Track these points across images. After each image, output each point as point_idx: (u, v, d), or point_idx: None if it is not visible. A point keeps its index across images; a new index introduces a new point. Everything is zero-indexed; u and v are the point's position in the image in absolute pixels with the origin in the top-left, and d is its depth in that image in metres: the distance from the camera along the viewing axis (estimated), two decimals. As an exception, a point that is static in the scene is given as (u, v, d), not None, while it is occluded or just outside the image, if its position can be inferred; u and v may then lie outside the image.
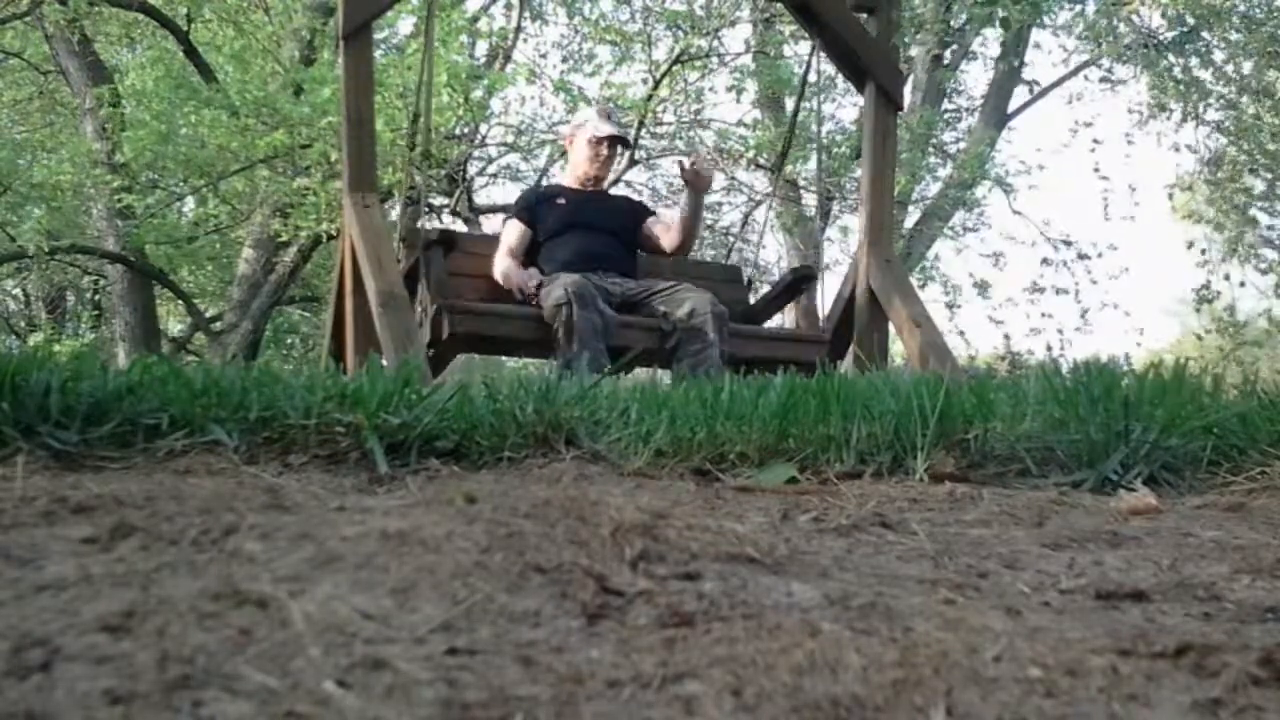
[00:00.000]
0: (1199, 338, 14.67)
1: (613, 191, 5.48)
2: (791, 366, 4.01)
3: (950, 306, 13.10)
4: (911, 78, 11.72)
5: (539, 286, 4.71)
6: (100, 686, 0.73)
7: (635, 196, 5.67)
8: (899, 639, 0.90)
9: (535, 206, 5.08)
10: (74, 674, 0.75)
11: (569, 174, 5.24)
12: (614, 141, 5.19)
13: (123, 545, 1.07)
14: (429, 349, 4.65)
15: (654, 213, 5.41)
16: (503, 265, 4.96)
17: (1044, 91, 13.58)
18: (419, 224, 5.70)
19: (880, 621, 0.95)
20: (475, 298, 4.97)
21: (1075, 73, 13.27)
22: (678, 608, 0.97)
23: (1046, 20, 11.25)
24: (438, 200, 12.27)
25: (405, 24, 12.39)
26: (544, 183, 5.46)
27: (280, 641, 0.82)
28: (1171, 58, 11.78)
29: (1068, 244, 12.95)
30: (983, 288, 12.78)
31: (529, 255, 4.99)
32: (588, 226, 4.97)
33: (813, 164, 11.60)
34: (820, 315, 5.59)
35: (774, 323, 5.86)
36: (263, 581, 0.93)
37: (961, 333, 13.97)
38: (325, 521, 1.13)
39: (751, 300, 5.75)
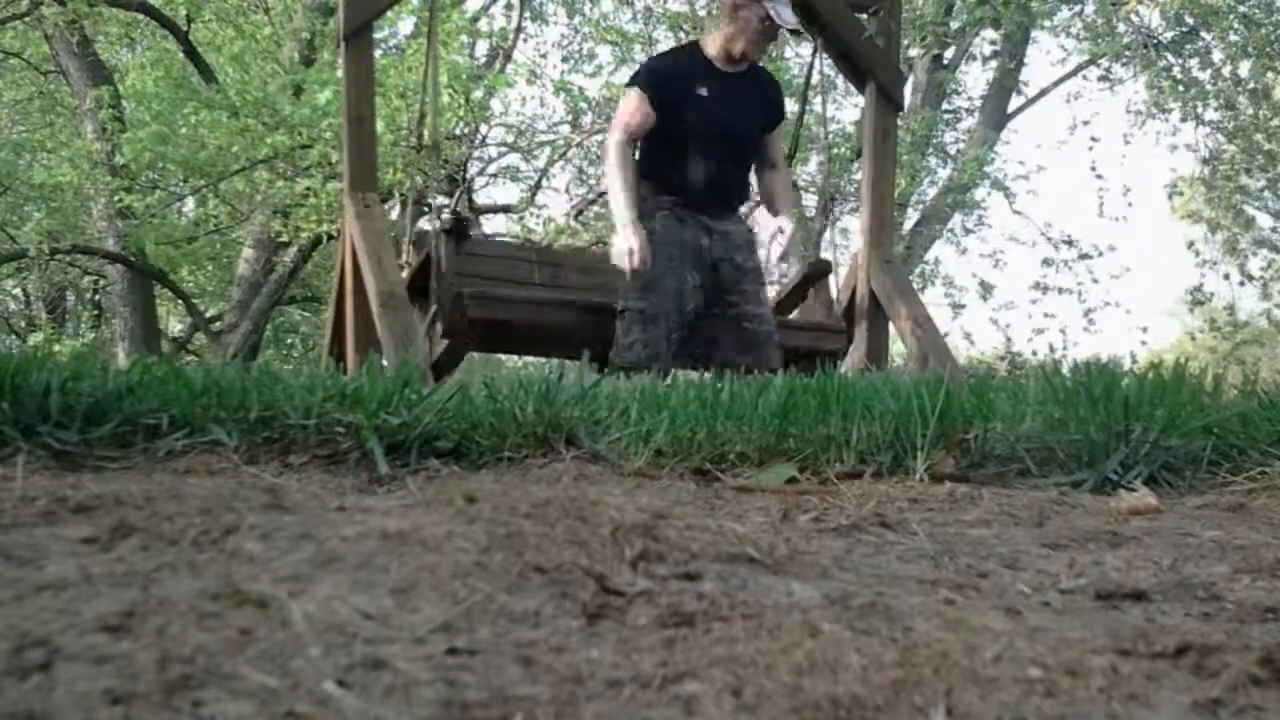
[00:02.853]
0: (1192, 338, 14.70)
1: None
2: (828, 361, 3.97)
3: (955, 307, 13.12)
4: (911, 78, 11.72)
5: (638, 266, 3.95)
6: (100, 686, 0.73)
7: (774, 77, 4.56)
8: (899, 639, 0.90)
9: (671, 85, 4.14)
10: (74, 674, 0.75)
11: (716, 42, 4.23)
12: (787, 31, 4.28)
13: (123, 545, 1.07)
14: (445, 338, 4.62)
15: (784, 116, 4.55)
16: (616, 161, 4.07)
17: (1043, 92, 13.60)
18: (422, 222, 5.68)
19: (880, 621, 0.95)
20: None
21: (1075, 73, 13.30)
22: (678, 608, 0.97)
23: (1044, 21, 11.26)
24: (438, 200, 12.27)
25: (405, 24, 12.41)
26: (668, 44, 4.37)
27: (280, 641, 0.82)
28: (1170, 58, 11.78)
29: (1069, 244, 12.97)
30: (986, 288, 12.79)
31: (645, 142, 4.13)
32: (719, 136, 4.13)
33: (813, 165, 11.62)
34: (837, 306, 5.48)
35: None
36: (263, 581, 0.93)
37: (968, 335, 14.00)
38: (325, 521, 1.13)
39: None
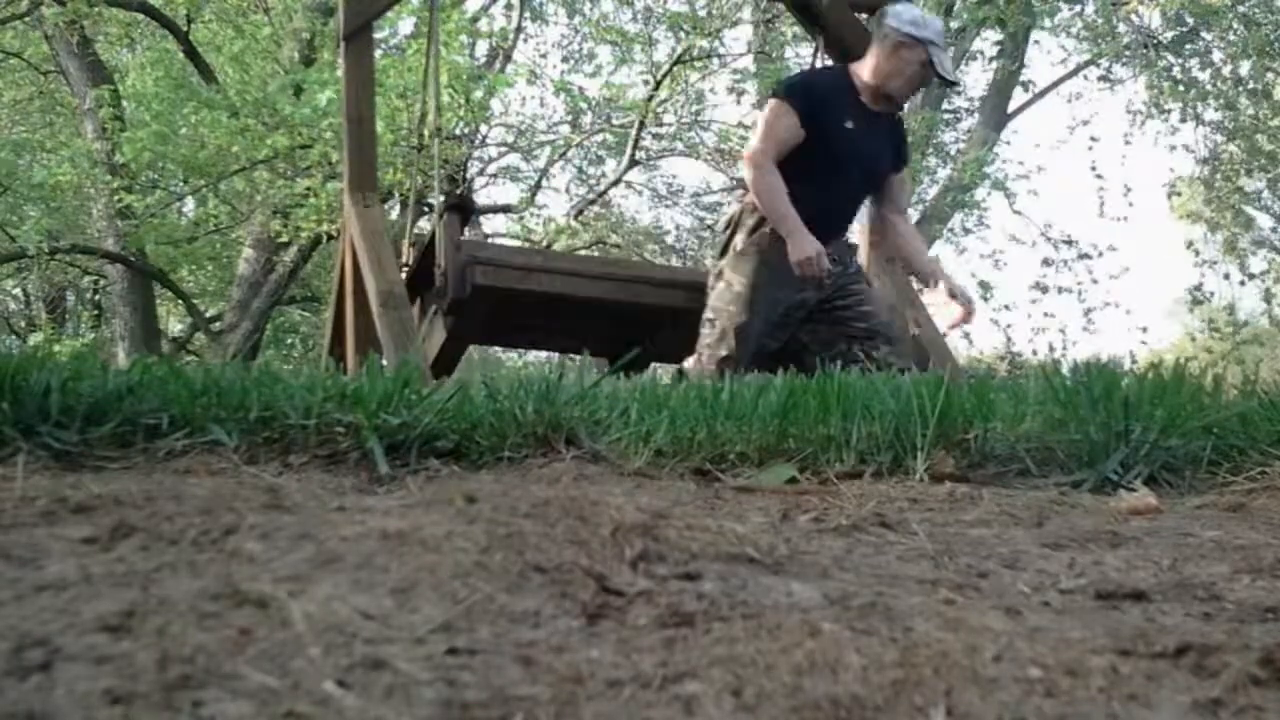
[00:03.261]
0: (1192, 338, 14.73)
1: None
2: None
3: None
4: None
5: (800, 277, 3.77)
6: (100, 686, 0.73)
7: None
8: (899, 639, 0.90)
9: (822, 108, 3.94)
10: (74, 674, 0.75)
11: (866, 73, 4.03)
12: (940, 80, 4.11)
13: (123, 545, 1.07)
14: (449, 316, 4.59)
15: (906, 162, 4.36)
16: (768, 171, 3.86)
17: (1043, 92, 13.61)
18: (422, 222, 5.68)
19: (880, 621, 0.95)
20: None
21: (1075, 73, 13.31)
22: (678, 608, 0.97)
23: (1046, 21, 11.27)
24: (438, 200, 12.29)
25: (405, 24, 12.41)
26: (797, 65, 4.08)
27: (280, 641, 0.82)
28: (1170, 58, 11.79)
29: (1069, 244, 12.98)
30: (986, 289, 12.80)
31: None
32: (856, 172, 4.01)
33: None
34: None
35: None
36: (263, 581, 0.93)
37: (966, 334, 13.99)
38: (325, 521, 1.13)
39: None
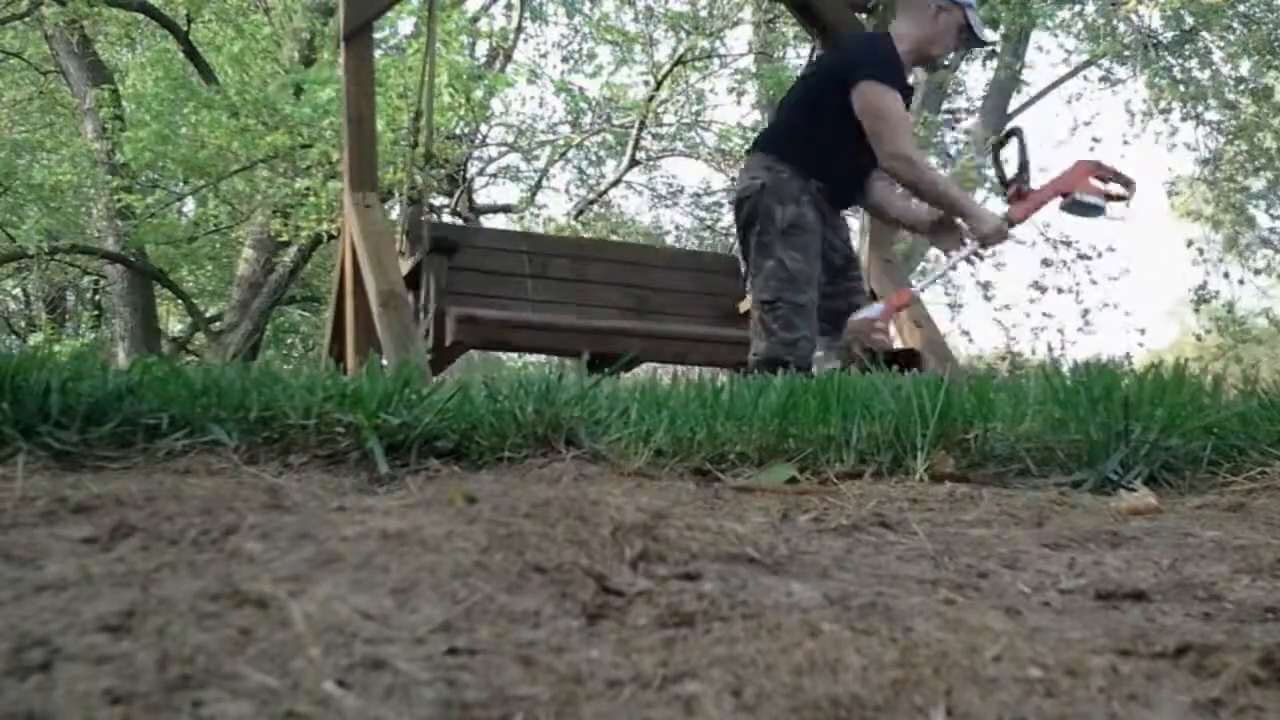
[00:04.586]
0: (1198, 338, 14.72)
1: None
2: None
3: (952, 307, 13.14)
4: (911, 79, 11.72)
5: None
6: (100, 686, 0.73)
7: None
8: (899, 639, 0.90)
9: (901, 83, 3.95)
10: (74, 674, 0.75)
11: (908, 41, 3.99)
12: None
13: (123, 545, 1.07)
14: (429, 352, 4.66)
15: None
16: (924, 164, 3.96)
17: (1043, 92, 13.61)
18: (421, 219, 5.71)
19: (880, 621, 0.95)
20: (479, 291, 4.99)
21: (1075, 73, 13.30)
22: (678, 608, 0.97)
23: (1046, 21, 11.27)
24: (438, 200, 12.29)
25: (405, 24, 12.42)
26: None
27: (280, 641, 0.82)
28: (1170, 58, 11.79)
29: (1067, 244, 12.98)
30: (985, 288, 12.80)
31: (812, 125, 3.88)
32: None
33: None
34: None
35: None
36: (263, 581, 0.93)
37: (966, 333, 14.01)
38: (325, 521, 1.13)
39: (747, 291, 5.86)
